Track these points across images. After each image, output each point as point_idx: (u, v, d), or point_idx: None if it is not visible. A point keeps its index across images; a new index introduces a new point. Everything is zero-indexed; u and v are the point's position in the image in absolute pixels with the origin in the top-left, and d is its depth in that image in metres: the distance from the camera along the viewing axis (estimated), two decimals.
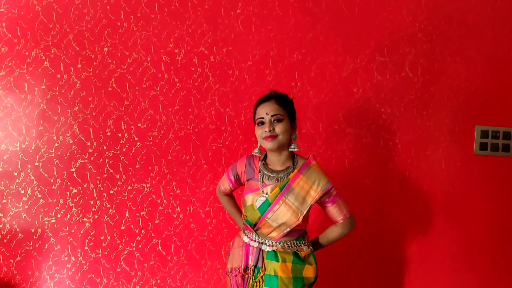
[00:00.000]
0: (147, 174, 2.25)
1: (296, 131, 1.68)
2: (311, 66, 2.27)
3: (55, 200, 2.23)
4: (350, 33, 2.27)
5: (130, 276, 2.26)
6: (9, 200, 2.22)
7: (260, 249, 1.63)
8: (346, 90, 2.27)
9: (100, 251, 2.25)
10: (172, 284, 2.27)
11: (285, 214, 1.59)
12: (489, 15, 2.27)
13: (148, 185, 2.25)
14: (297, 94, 2.25)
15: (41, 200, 2.23)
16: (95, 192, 2.24)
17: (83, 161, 2.23)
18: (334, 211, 1.64)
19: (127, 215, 2.25)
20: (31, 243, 2.23)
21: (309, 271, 1.63)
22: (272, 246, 1.62)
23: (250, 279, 1.62)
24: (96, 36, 2.24)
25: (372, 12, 2.27)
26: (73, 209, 2.23)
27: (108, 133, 2.24)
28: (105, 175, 2.24)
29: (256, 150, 1.66)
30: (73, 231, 2.24)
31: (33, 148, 2.22)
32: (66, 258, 2.24)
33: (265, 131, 1.58)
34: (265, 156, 1.71)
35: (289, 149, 1.64)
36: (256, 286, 1.61)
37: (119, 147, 2.24)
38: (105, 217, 2.24)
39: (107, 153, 2.24)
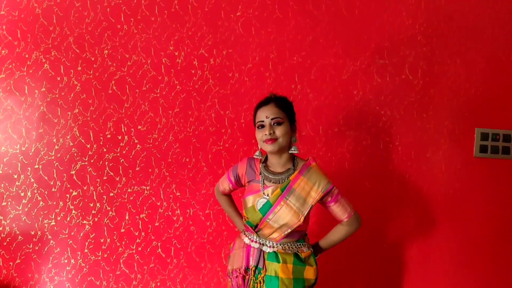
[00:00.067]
0: (147, 176, 2.25)
1: (296, 133, 1.70)
2: (311, 69, 2.27)
3: (55, 203, 2.23)
4: (350, 35, 2.28)
5: (130, 278, 2.26)
6: (9, 203, 2.21)
7: (261, 250, 1.64)
8: (346, 92, 2.27)
9: (100, 254, 2.24)
10: (172, 286, 2.27)
11: (286, 215, 1.60)
12: (489, 17, 2.28)
13: (148, 188, 2.25)
14: (297, 97, 2.25)
15: (41, 203, 2.22)
16: (95, 194, 2.24)
17: (83, 163, 2.23)
18: (337, 210, 1.65)
19: (127, 217, 2.25)
20: (31, 246, 2.22)
21: (309, 273, 1.63)
22: (273, 247, 1.63)
23: (251, 280, 1.63)
24: (96, 38, 2.24)
25: (372, 15, 2.28)
26: (73, 211, 2.23)
27: (108, 136, 2.24)
28: (105, 178, 2.24)
29: (257, 153, 1.69)
30: (73, 233, 2.23)
31: (33, 150, 2.22)
32: (66, 261, 2.24)
33: (265, 134, 1.60)
34: (266, 158, 1.72)
35: (290, 152, 1.66)
36: (257, 287, 1.62)
37: (119, 149, 2.24)
38: (105, 219, 2.24)
39: (107, 155, 2.24)
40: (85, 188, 2.23)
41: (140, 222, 2.25)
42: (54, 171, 2.23)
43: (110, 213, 2.24)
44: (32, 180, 2.22)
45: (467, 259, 2.29)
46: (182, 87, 2.26)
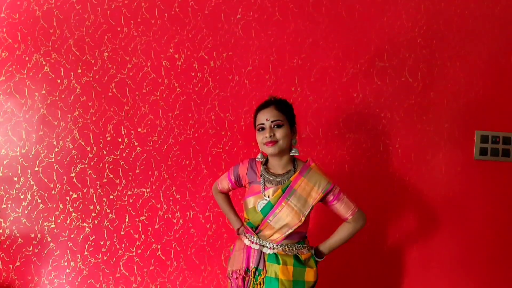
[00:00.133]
0: (147, 179, 2.25)
1: (296, 135, 1.71)
2: (311, 71, 2.27)
3: (54, 205, 2.23)
4: (350, 38, 2.28)
5: (130, 281, 2.25)
6: (9, 205, 2.21)
7: (261, 251, 1.65)
8: (346, 95, 2.27)
9: (100, 256, 2.24)
10: None
11: (287, 216, 1.62)
12: (489, 20, 2.28)
13: (148, 190, 2.25)
14: (297, 99, 2.25)
15: (41, 205, 2.22)
16: (95, 197, 2.24)
17: (83, 166, 2.23)
18: (340, 208, 1.65)
19: (126, 220, 2.25)
20: (31, 248, 2.22)
21: (309, 275, 1.64)
22: (273, 248, 1.64)
23: (251, 281, 1.64)
24: (97, 41, 2.24)
25: (372, 17, 2.28)
26: (73, 214, 2.23)
27: (108, 138, 2.24)
28: (105, 180, 2.24)
29: (259, 155, 1.71)
30: (72, 236, 2.23)
31: (33, 153, 2.21)
32: (66, 263, 2.23)
33: (266, 137, 1.61)
34: (267, 161, 1.74)
35: (290, 154, 1.68)
36: None
37: (119, 152, 2.24)
38: (105, 222, 2.24)
39: (107, 158, 2.24)
40: (85, 190, 2.23)
41: (140, 225, 2.25)
42: (54, 174, 2.22)
43: (110, 215, 2.24)
44: (32, 182, 2.21)
45: (467, 261, 2.28)
46: (182, 90, 2.26)
